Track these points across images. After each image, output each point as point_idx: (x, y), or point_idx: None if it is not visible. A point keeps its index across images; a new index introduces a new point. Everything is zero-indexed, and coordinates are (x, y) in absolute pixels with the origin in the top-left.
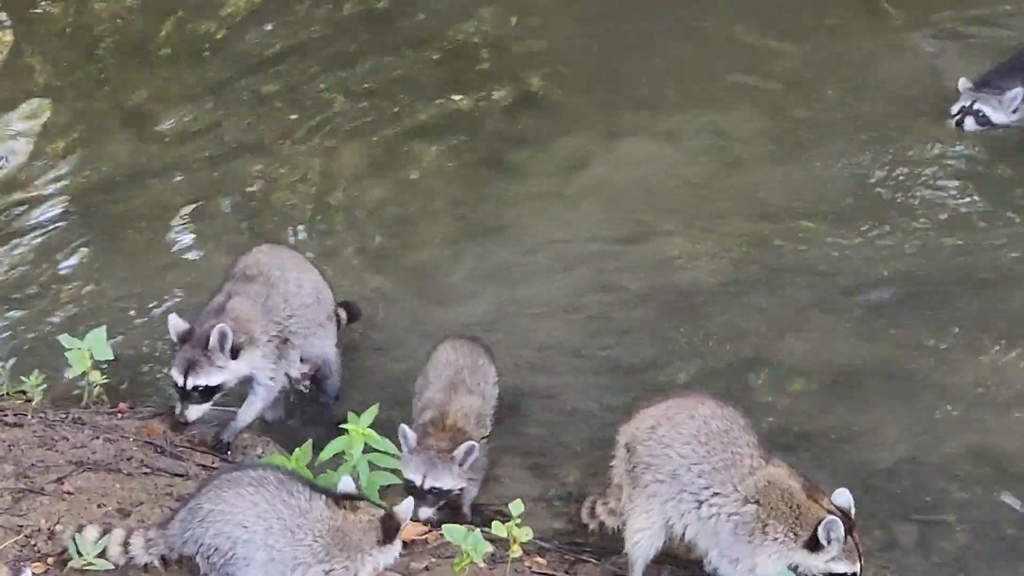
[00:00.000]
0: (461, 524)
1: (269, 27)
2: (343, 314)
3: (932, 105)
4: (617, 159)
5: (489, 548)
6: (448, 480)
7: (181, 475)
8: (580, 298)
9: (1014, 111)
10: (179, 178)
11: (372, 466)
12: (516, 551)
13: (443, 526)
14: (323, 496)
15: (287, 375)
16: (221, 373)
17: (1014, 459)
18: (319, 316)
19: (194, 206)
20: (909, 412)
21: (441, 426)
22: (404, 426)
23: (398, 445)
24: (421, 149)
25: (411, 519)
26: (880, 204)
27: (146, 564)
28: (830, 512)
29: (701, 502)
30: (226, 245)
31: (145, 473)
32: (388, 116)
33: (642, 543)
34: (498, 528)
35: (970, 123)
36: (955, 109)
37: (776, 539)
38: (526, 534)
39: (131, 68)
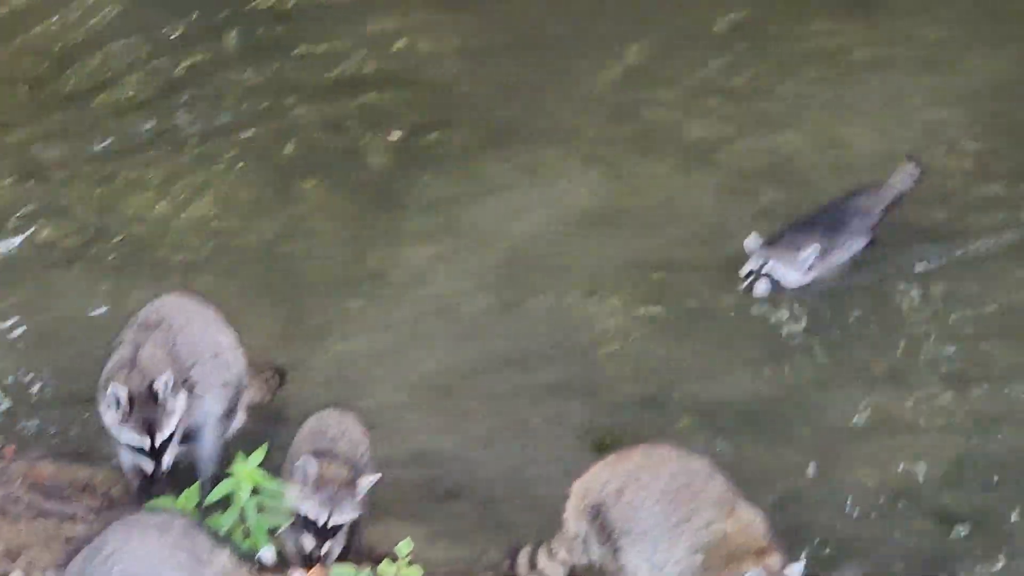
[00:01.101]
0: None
1: (153, 63)
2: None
3: None
4: (507, 205)
5: None
6: (351, 513)
7: (70, 517)
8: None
9: (809, 268)
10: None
11: (260, 508)
12: None
13: (334, 569)
14: (230, 552)
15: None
16: (176, 415)
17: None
18: (212, 377)
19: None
20: (794, 448)
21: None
22: (307, 456)
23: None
24: (305, 187)
25: (316, 555)
26: None
27: None
28: (767, 568)
29: (666, 558)
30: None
31: (33, 516)
32: (270, 152)
33: None
34: (387, 567)
35: (761, 287)
36: (744, 271)
37: None
38: (416, 573)
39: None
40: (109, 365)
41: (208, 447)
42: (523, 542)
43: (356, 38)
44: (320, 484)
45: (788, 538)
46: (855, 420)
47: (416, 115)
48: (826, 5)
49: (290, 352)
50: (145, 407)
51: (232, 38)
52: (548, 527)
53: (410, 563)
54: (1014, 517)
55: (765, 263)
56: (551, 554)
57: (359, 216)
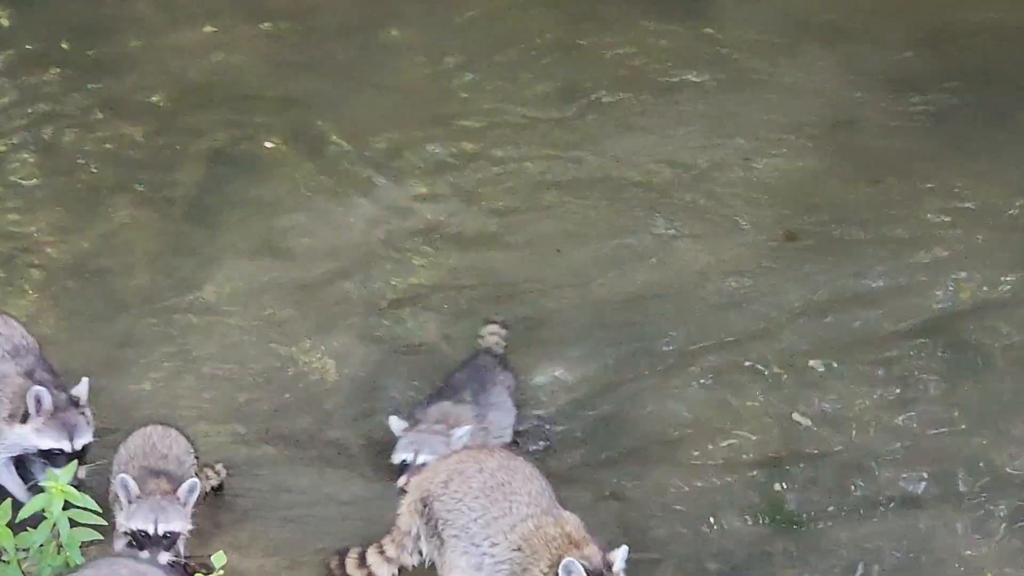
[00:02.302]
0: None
1: None
2: None
3: None
4: (327, 217)
5: None
6: (178, 522)
7: None
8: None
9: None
10: None
11: (73, 522)
12: None
13: None
14: None
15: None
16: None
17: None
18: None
19: None
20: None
21: (154, 472)
22: (124, 476)
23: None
24: (117, 201)
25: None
26: None
27: None
28: (585, 557)
29: (484, 553)
30: None
31: None
32: (78, 168)
33: None
34: None
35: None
36: (396, 459)
37: None
38: None
39: None
40: None
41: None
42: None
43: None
44: (142, 496)
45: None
46: None
47: (232, 128)
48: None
49: (107, 370)
50: (22, 426)
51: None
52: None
53: None
54: None
55: (417, 452)
56: (381, 553)
57: (174, 230)
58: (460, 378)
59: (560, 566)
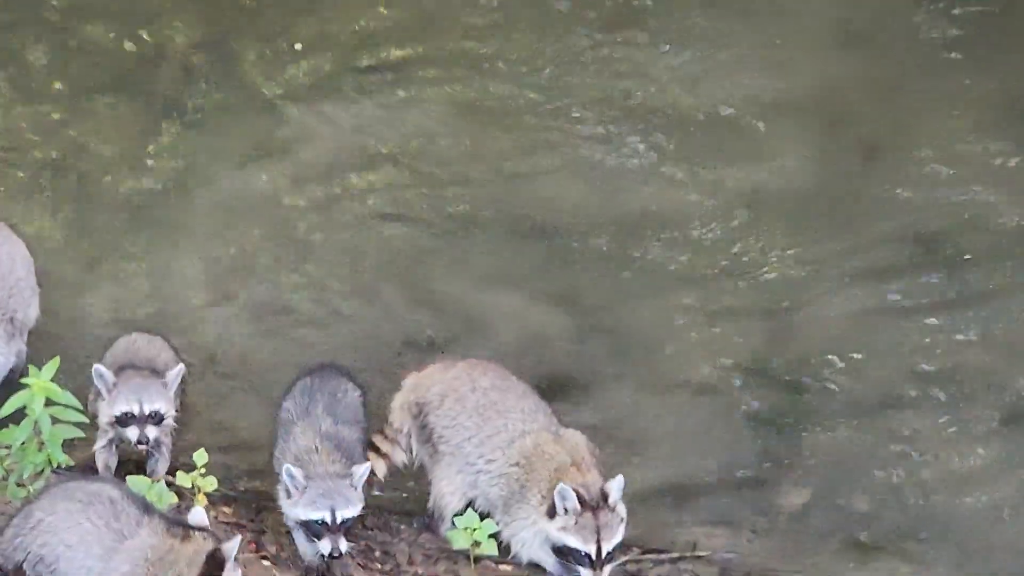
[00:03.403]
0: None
1: None
2: None
3: None
4: None
5: (174, 499)
6: (162, 402)
7: None
8: None
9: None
10: None
11: (54, 420)
12: (201, 501)
13: (127, 477)
14: (157, 520)
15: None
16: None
17: None
18: (32, 284)
19: None
20: None
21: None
22: (97, 365)
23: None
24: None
25: (138, 443)
26: None
27: None
28: (584, 484)
29: (479, 471)
30: None
31: None
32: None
33: (452, 503)
34: (182, 478)
35: None
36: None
37: (529, 502)
38: (211, 484)
39: None
40: None
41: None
42: None
43: None
44: (124, 381)
45: None
46: None
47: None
48: None
49: (84, 272)
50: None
51: None
52: None
53: (204, 474)
54: None
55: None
56: (375, 449)
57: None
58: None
59: (555, 491)
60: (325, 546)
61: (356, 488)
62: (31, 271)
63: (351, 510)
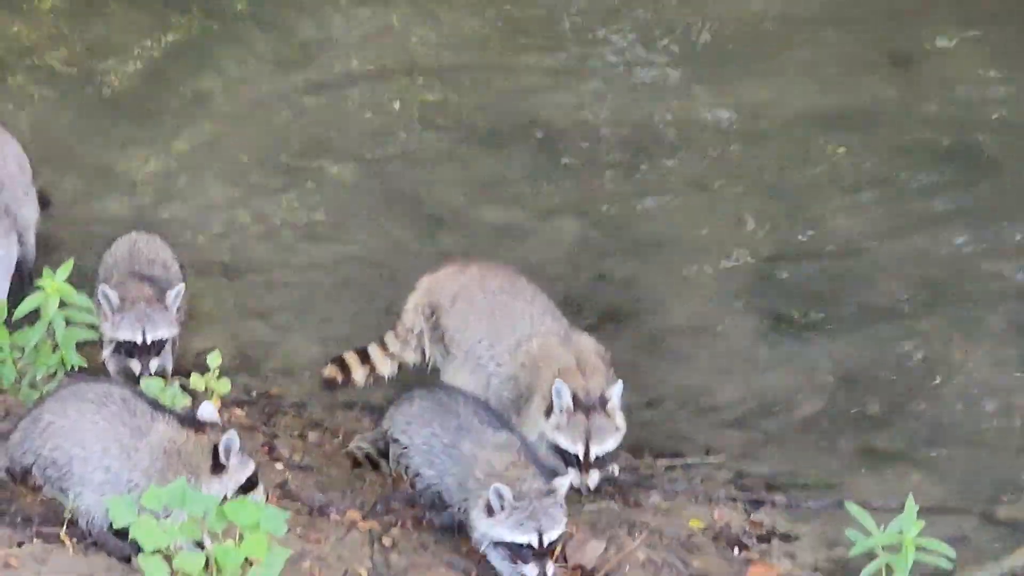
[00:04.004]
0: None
1: None
2: None
3: None
4: None
5: (187, 401)
6: (165, 328)
7: None
8: None
9: None
10: None
11: (68, 322)
12: (215, 403)
13: (140, 380)
14: (168, 417)
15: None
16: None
17: None
18: (24, 185)
19: None
20: None
21: (139, 277)
22: (104, 287)
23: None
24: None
25: (138, 372)
26: None
27: None
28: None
29: (491, 373)
30: None
31: None
32: None
33: None
34: (196, 380)
35: None
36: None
37: (534, 404)
38: (224, 386)
39: None
40: None
41: (31, 245)
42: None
43: None
44: (128, 305)
45: None
46: None
47: None
48: None
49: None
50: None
51: None
52: None
53: (219, 376)
54: None
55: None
56: (383, 348)
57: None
58: None
59: (552, 388)
60: (531, 571)
61: (561, 505)
62: (25, 169)
63: (557, 531)
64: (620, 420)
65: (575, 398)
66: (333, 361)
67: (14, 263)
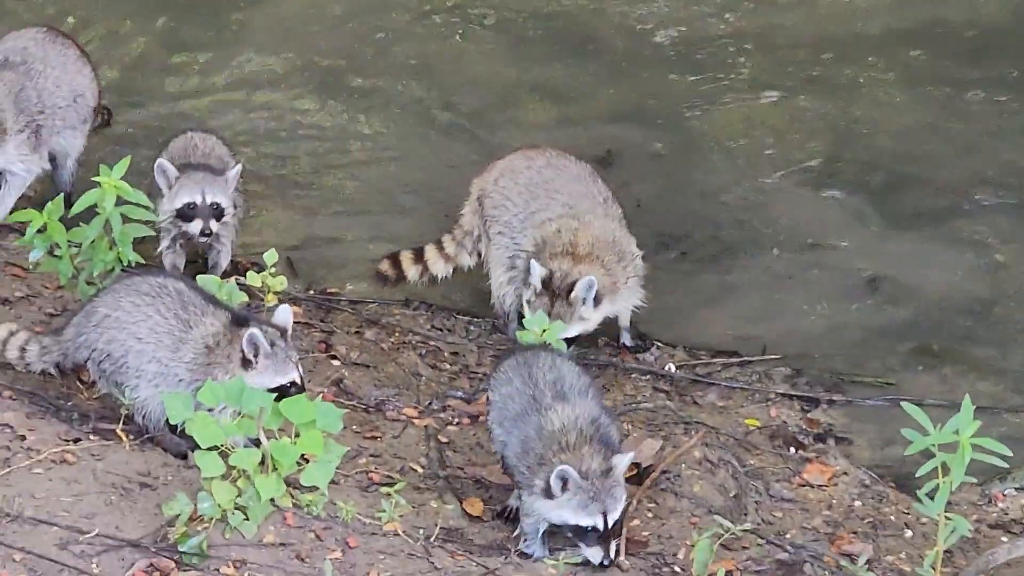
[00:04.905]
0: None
1: None
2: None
3: None
4: None
5: (244, 298)
6: (223, 196)
7: None
8: None
9: None
10: None
11: (125, 219)
12: (271, 300)
13: (197, 277)
14: (221, 312)
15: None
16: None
17: None
18: (71, 118)
19: None
20: None
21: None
22: (162, 159)
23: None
24: None
25: (201, 235)
26: None
27: (42, 371)
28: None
29: (518, 248)
30: None
31: None
32: None
33: (508, 295)
34: (252, 278)
35: None
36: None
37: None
38: (280, 283)
39: None
40: None
41: (70, 170)
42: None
43: None
44: (188, 172)
45: None
46: None
47: None
48: None
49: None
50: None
51: None
52: None
53: (275, 274)
54: None
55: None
56: (440, 249)
57: None
58: None
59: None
60: (596, 555)
61: (621, 484)
62: (84, 99)
63: (618, 510)
64: (582, 309)
65: (548, 280)
66: (388, 257)
67: (27, 183)
